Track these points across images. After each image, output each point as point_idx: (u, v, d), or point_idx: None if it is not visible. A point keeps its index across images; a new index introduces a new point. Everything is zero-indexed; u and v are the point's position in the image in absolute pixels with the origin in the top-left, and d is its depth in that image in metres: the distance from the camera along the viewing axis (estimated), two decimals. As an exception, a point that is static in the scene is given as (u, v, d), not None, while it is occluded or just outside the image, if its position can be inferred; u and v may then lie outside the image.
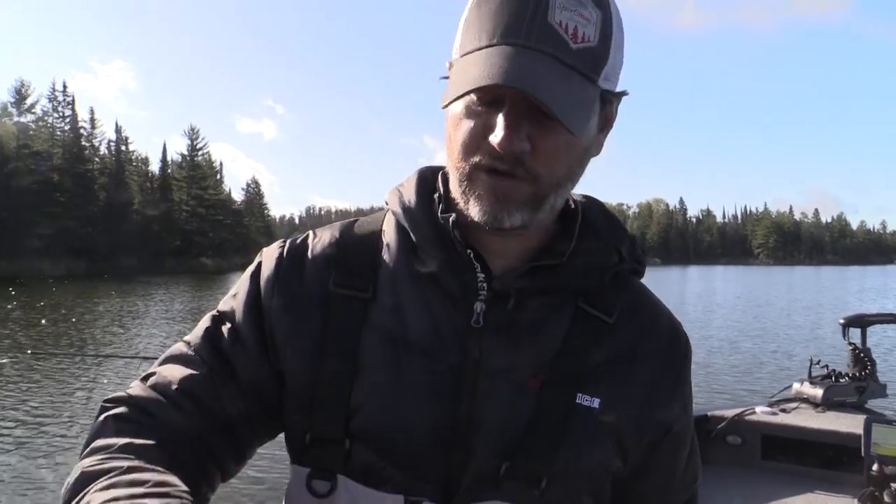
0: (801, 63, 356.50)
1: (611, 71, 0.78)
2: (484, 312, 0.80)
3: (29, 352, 12.69)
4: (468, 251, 0.82)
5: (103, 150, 73.79)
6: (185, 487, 0.67)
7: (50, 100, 69.26)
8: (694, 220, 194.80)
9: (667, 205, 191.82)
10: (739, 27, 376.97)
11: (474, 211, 0.77)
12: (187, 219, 76.16)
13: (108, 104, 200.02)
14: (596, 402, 0.81)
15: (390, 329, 0.80)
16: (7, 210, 56.03)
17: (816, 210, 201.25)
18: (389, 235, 0.87)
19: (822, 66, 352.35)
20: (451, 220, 0.81)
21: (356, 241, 0.88)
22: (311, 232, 0.91)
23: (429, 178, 0.89)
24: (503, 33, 0.71)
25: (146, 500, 0.63)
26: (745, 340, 16.81)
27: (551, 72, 0.70)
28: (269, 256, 0.89)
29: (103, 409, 0.80)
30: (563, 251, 0.84)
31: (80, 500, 0.67)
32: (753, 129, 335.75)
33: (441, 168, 0.90)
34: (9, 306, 22.46)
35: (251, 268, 0.90)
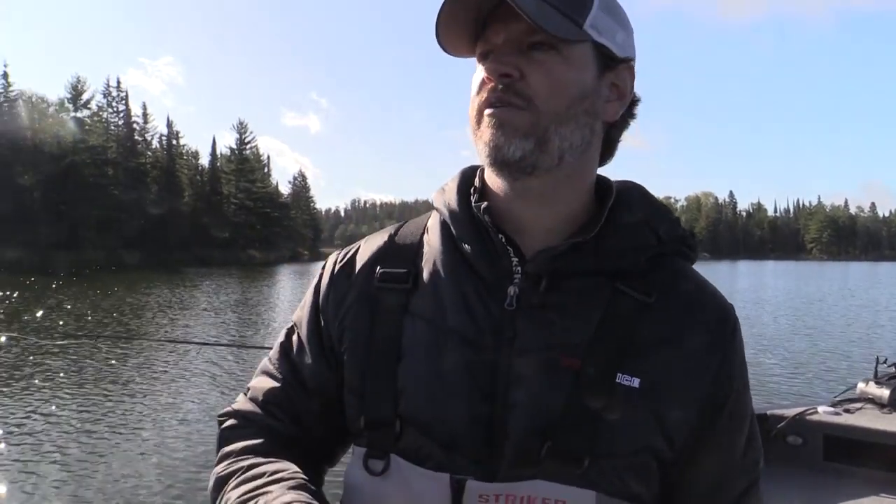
0: (855, 52, 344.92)
1: (601, 25, 0.83)
2: (517, 295, 0.84)
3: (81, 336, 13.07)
4: (500, 236, 0.85)
5: (155, 144, 75.73)
6: (296, 468, 0.83)
7: (105, 95, 71.37)
8: (744, 213, 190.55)
9: (716, 198, 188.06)
10: (790, 15, 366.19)
11: (481, 149, 0.83)
12: (235, 211, 77.59)
13: (158, 99, 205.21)
14: (636, 382, 0.81)
15: (429, 317, 0.86)
16: (64, 203, 57.99)
17: (873, 204, 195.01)
18: (433, 231, 0.93)
19: (878, 55, 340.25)
20: (482, 207, 0.86)
21: (401, 240, 0.95)
22: (363, 239, 1.00)
23: (468, 175, 0.96)
24: None
25: (268, 488, 0.78)
26: (801, 338, 16.32)
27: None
28: (326, 266, 0.99)
29: (219, 423, 0.98)
30: (593, 229, 0.85)
31: (221, 500, 0.84)
32: (806, 120, 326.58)
33: (480, 165, 0.94)
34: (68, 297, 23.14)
35: (314, 279, 1.00)
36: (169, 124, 77.77)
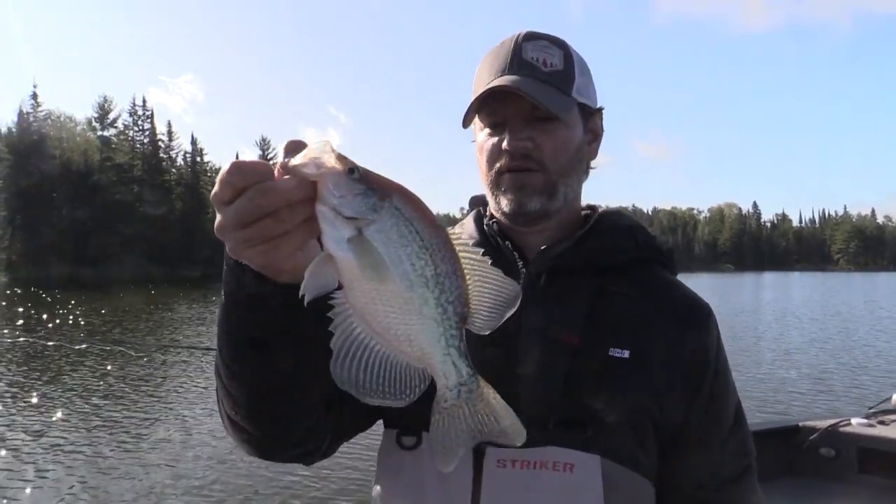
0: (877, 56, 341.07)
1: (582, 89, 1.08)
2: (523, 287, 0.92)
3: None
4: (507, 243, 1.10)
5: (180, 161, 76.84)
6: None
7: (130, 114, 72.74)
8: (768, 224, 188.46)
9: (739, 209, 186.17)
10: (807, 20, 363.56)
11: (504, 204, 1.06)
12: (258, 227, 78.03)
13: (179, 116, 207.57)
14: (626, 353, 0.98)
15: None
16: (93, 220, 58.98)
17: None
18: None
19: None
20: (493, 224, 1.13)
21: None
22: None
23: (478, 203, 1.20)
24: (491, 73, 1.06)
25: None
26: (829, 350, 15.98)
27: (530, 83, 1.02)
28: None
29: None
30: (567, 241, 1.08)
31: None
32: (831, 128, 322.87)
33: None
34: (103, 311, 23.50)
35: None
36: (193, 141, 78.93)
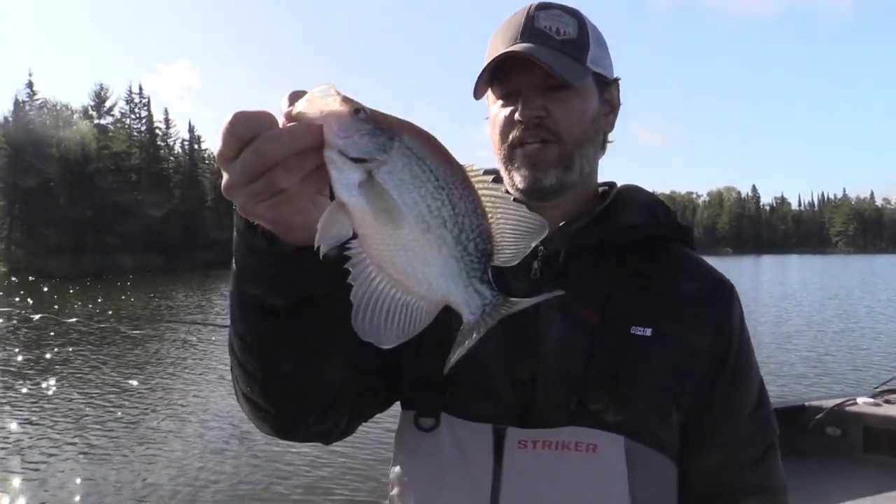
0: (876, 39, 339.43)
1: (597, 58, 1.05)
2: (540, 268, 0.99)
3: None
4: None
5: (177, 149, 76.54)
6: None
7: (127, 102, 72.23)
8: (767, 208, 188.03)
9: (738, 193, 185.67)
10: (809, 3, 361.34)
11: (518, 180, 1.01)
12: (257, 214, 77.89)
13: (174, 104, 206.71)
14: (648, 332, 0.96)
15: None
16: (90, 209, 58.84)
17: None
18: None
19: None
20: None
21: None
22: None
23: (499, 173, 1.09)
24: (503, 43, 1.02)
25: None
26: (835, 330, 16.03)
27: (543, 50, 0.99)
28: None
29: None
30: (586, 217, 1.04)
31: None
32: (830, 112, 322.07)
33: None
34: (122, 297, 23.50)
35: None
36: (190, 129, 78.52)
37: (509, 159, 1.03)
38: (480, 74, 1.01)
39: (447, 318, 0.81)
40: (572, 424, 0.91)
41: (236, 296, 0.79)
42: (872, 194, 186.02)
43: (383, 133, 0.61)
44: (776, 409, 3.89)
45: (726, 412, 1.01)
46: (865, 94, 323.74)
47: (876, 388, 4.11)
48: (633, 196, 1.11)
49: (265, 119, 0.63)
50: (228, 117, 0.63)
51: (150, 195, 63.27)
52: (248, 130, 0.62)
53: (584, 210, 1.07)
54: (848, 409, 3.90)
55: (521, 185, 1.02)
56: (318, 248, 0.61)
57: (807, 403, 4.12)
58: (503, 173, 1.05)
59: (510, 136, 1.02)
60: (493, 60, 1.00)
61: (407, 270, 0.63)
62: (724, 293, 1.05)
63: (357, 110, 0.61)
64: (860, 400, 3.93)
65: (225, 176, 0.65)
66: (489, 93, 1.06)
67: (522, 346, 0.95)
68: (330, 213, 0.61)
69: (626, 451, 0.92)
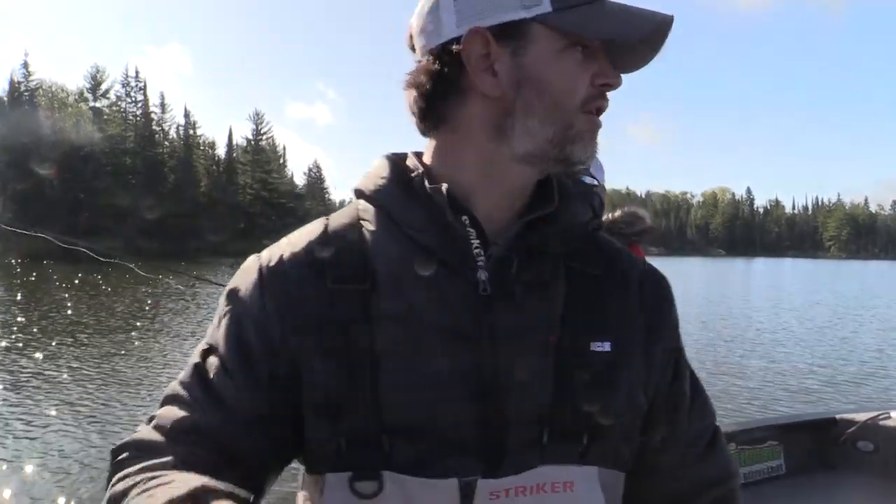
0: (874, 44, 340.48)
1: None
2: (489, 279, 0.80)
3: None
4: (464, 218, 0.81)
5: (172, 134, 76.10)
6: (195, 475, 0.67)
7: (123, 85, 71.76)
8: (761, 210, 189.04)
9: (733, 194, 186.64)
10: (804, 3, 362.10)
11: (578, 153, 0.81)
12: (251, 202, 77.87)
13: (167, 88, 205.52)
14: (607, 346, 0.84)
15: (401, 314, 0.78)
16: (84, 192, 58.48)
17: (894, 202, 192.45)
18: (373, 223, 0.85)
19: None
20: (444, 190, 0.80)
21: (339, 235, 0.85)
22: (285, 240, 0.88)
23: (399, 163, 0.89)
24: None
25: (170, 477, 0.68)
26: (866, 340, 15.64)
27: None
28: (249, 273, 0.85)
29: (114, 455, 0.79)
30: (545, 205, 0.85)
31: None
32: (827, 116, 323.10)
33: (403, 154, 0.91)
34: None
35: (229, 292, 0.85)
36: (186, 114, 78.41)
37: (573, 125, 0.79)
38: (632, 37, 0.78)
39: (373, 366, 0.77)
40: (545, 464, 0.79)
41: None
42: (867, 200, 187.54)
43: None
44: (806, 422, 3.71)
45: (676, 410, 0.93)
46: (863, 100, 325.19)
47: (913, 402, 3.95)
48: (571, 185, 0.92)
49: None
50: None
51: (143, 179, 62.92)
52: None
53: (524, 202, 0.86)
54: (882, 423, 3.76)
55: (577, 161, 0.81)
56: None
57: (838, 416, 3.98)
58: (548, 140, 0.79)
59: (588, 101, 0.79)
60: (651, 19, 0.78)
61: None
62: (667, 289, 0.96)
63: None
64: (894, 414, 3.78)
65: None
66: (544, 31, 0.77)
67: (483, 381, 0.78)
68: None
69: (601, 482, 0.82)
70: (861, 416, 3.83)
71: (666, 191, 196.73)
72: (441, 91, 0.80)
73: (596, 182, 2.33)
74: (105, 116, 68.61)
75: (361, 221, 0.85)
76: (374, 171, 0.88)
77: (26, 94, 66.36)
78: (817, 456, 3.86)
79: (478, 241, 0.81)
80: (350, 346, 0.77)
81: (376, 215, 0.85)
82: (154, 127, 72.76)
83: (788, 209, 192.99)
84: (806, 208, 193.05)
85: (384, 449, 0.76)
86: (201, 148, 79.68)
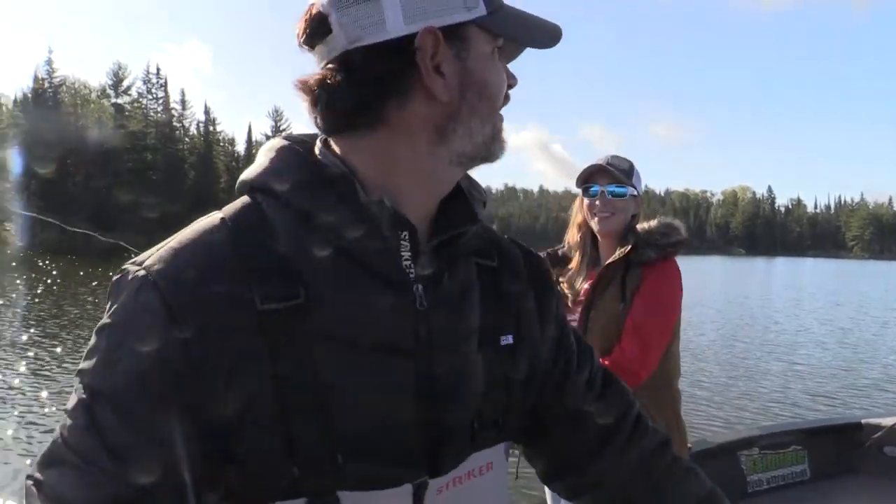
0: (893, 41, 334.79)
1: None
2: (423, 292, 0.79)
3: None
4: (404, 234, 0.78)
5: (193, 130, 76.77)
6: None
7: (144, 82, 72.51)
8: (782, 209, 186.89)
9: (753, 193, 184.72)
10: (825, 3, 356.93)
11: (498, 150, 0.82)
12: (270, 198, 78.25)
13: (185, 85, 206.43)
14: (510, 338, 0.89)
15: (339, 332, 0.73)
16: (105, 188, 59.17)
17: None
18: (287, 227, 0.75)
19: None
20: (387, 202, 0.76)
21: (252, 242, 0.73)
22: (175, 246, 0.72)
23: (310, 157, 0.80)
24: None
25: None
26: (876, 342, 15.41)
27: None
28: (148, 303, 0.68)
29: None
30: (466, 214, 0.84)
31: None
32: (850, 114, 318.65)
33: (304, 138, 0.83)
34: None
35: (115, 324, 0.69)
36: (206, 111, 78.81)
37: (494, 124, 0.81)
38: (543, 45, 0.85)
39: (322, 391, 0.72)
40: (476, 451, 0.85)
41: None
42: (891, 200, 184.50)
43: None
44: (832, 427, 3.67)
45: (568, 363, 0.98)
46: (889, 98, 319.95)
47: (943, 407, 3.87)
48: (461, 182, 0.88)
49: None
50: None
51: (164, 175, 63.48)
52: None
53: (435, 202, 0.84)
54: (910, 427, 3.68)
55: (497, 150, 0.82)
56: None
57: (863, 421, 3.92)
58: (481, 138, 0.79)
59: (501, 102, 0.82)
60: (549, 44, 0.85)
61: None
62: (545, 264, 1.00)
63: None
64: (922, 419, 3.70)
65: None
66: (480, 34, 0.78)
67: (426, 392, 0.78)
68: None
69: (504, 454, 0.92)
70: (887, 421, 3.77)
71: (685, 189, 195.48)
72: (382, 90, 0.75)
73: (636, 193, 2.29)
74: (126, 113, 69.35)
75: (270, 220, 0.75)
76: (276, 163, 0.78)
77: (50, 90, 67.25)
78: (842, 461, 3.80)
79: (409, 254, 0.78)
80: (295, 371, 0.70)
81: (291, 217, 0.75)
82: (174, 123, 73.50)
83: (810, 208, 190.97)
84: (828, 207, 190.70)
85: (337, 470, 0.73)
86: (221, 144, 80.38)
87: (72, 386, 0.66)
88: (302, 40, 0.78)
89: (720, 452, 3.54)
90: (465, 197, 0.85)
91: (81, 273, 24.82)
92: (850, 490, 3.68)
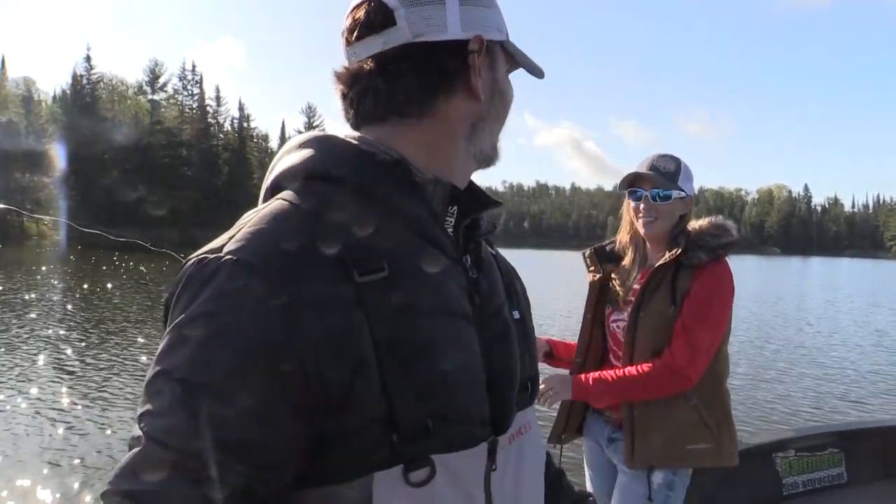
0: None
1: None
2: (474, 263, 0.91)
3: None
4: (453, 209, 0.88)
5: (227, 126, 77.70)
6: None
7: (180, 78, 73.59)
8: (819, 208, 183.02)
9: (789, 191, 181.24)
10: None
11: (496, 157, 0.94)
12: (302, 194, 78.84)
13: (218, 82, 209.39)
14: (517, 314, 0.98)
15: (423, 302, 0.78)
16: (142, 183, 60.17)
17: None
18: (354, 209, 0.78)
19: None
20: (448, 185, 0.86)
21: (331, 222, 0.76)
22: (256, 231, 0.74)
23: (349, 142, 0.84)
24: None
25: None
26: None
27: None
28: (235, 285, 0.68)
29: None
30: (485, 198, 0.93)
31: None
32: (889, 112, 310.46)
33: (333, 136, 0.87)
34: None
35: (209, 313, 0.68)
36: (241, 107, 79.74)
37: (501, 122, 0.94)
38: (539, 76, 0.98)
39: (418, 357, 0.76)
40: (520, 410, 0.93)
41: None
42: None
43: None
44: (866, 430, 3.62)
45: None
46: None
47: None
48: None
49: None
50: None
51: (198, 171, 64.31)
52: None
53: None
54: (950, 432, 3.61)
55: (498, 158, 0.96)
56: None
57: (898, 425, 3.83)
58: (491, 140, 0.92)
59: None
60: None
61: None
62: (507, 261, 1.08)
63: None
64: (963, 424, 3.63)
65: None
66: (502, 53, 0.93)
67: (487, 355, 0.87)
68: None
69: (534, 417, 0.99)
70: (927, 425, 3.70)
71: (720, 187, 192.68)
72: (440, 81, 0.84)
73: (683, 194, 2.27)
74: (163, 109, 70.46)
75: (339, 205, 0.78)
76: (326, 152, 0.82)
77: (88, 87, 68.58)
78: (881, 465, 3.76)
79: (452, 228, 0.89)
80: (391, 342, 0.74)
81: (357, 199, 0.79)
82: (209, 119, 74.44)
83: (848, 207, 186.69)
84: (866, 206, 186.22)
85: (430, 435, 0.77)
86: (255, 140, 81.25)
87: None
88: (359, 28, 0.84)
89: (755, 454, 3.51)
90: (477, 187, 0.95)
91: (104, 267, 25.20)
92: (888, 495, 3.63)
